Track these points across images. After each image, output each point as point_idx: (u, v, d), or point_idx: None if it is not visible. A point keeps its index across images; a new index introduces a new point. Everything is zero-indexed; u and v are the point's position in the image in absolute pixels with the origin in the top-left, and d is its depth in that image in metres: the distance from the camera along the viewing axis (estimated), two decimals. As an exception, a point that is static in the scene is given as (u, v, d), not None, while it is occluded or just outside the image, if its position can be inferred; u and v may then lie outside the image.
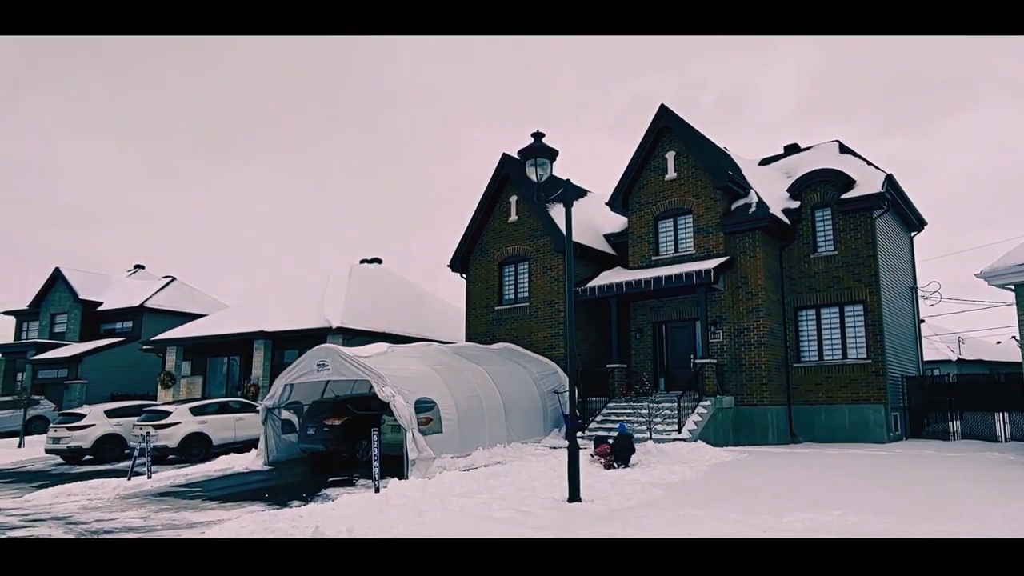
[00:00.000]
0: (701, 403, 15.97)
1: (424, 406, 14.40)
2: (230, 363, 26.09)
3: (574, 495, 9.60)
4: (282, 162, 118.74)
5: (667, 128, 19.22)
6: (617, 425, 15.84)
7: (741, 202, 18.00)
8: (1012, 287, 12.66)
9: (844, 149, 19.34)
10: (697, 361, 16.89)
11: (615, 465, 12.90)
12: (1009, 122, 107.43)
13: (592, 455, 13.42)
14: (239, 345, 25.18)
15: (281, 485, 12.85)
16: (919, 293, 19.63)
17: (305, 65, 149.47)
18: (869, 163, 18.17)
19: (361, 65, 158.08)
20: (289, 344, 23.99)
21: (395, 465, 13.27)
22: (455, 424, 14.81)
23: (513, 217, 21.49)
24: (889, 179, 17.26)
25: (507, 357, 18.60)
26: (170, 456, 17.07)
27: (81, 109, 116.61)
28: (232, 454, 16.60)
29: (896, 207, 18.09)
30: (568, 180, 10.84)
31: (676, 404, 15.41)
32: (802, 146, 21.06)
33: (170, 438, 16.96)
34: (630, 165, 19.78)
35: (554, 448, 15.97)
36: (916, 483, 10.01)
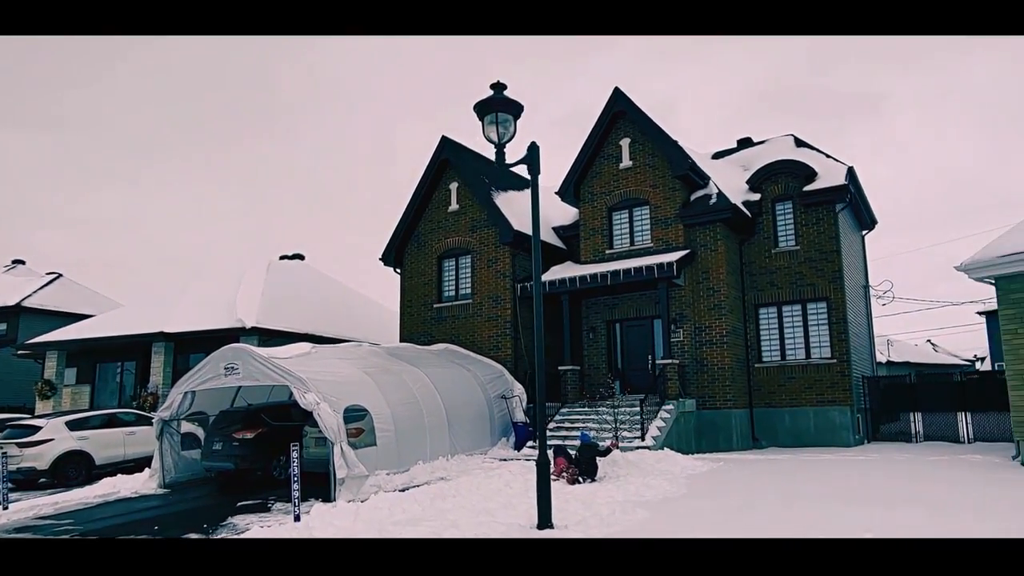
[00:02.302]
0: (664, 407, 14.66)
1: (355, 415, 12.55)
2: (124, 370, 22.84)
3: (544, 521, 7.92)
4: (205, 161, 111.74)
5: (622, 113, 17.97)
6: (577, 434, 14.34)
7: (700, 193, 16.93)
8: (992, 280, 11.97)
9: (800, 142, 18.70)
10: (659, 362, 15.59)
11: (580, 480, 11.32)
12: (913, 136, 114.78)
13: (552, 471, 11.80)
14: (135, 348, 22.04)
15: (177, 513, 10.49)
16: (871, 292, 19.18)
17: (230, 61, 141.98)
18: (828, 156, 17.53)
19: (289, 61, 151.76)
20: (195, 347, 21.10)
21: (320, 484, 11.25)
22: (391, 435, 12.94)
23: (454, 206, 19.68)
24: (850, 172, 16.61)
25: (449, 359, 16.76)
26: (41, 480, 14.16)
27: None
28: (120, 475, 13.90)
29: (853, 202, 17.49)
30: (534, 142, 9.11)
31: (639, 409, 14.02)
32: (755, 140, 20.34)
33: (39, 458, 14.01)
34: (582, 152, 18.41)
35: (504, 460, 14.25)
36: (931, 490, 9.02)
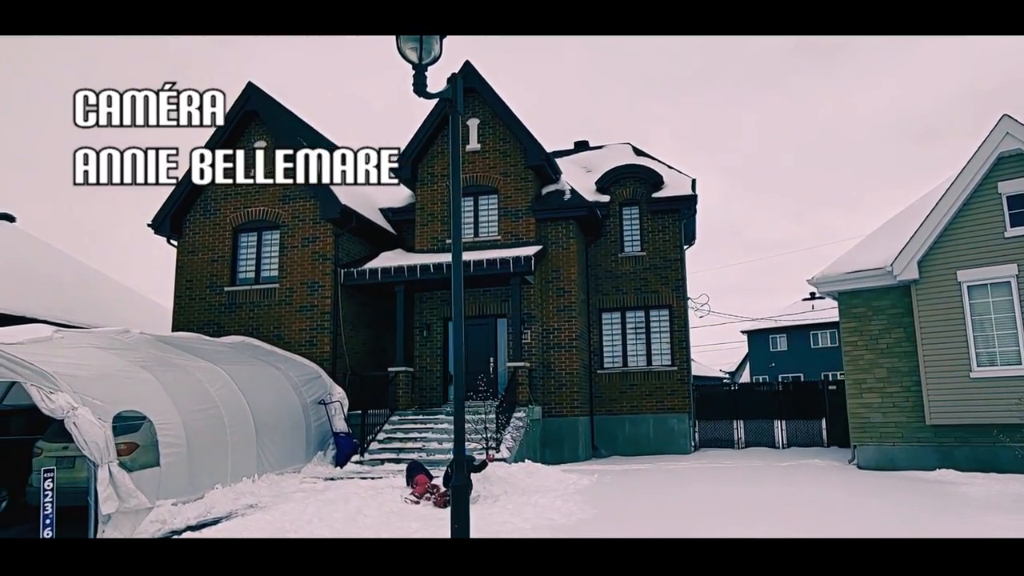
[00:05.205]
0: (515, 414, 13.11)
1: (127, 424, 9.16)
2: None
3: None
4: None
5: (472, 91, 16.18)
6: (414, 446, 12.19)
7: (552, 188, 15.94)
8: (836, 295, 12.62)
9: (638, 151, 18.77)
10: (509, 365, 14.01)
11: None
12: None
13: (409, 493, 9.55)
14: None
15: None
16: (690, 304, 19.92)
17: None
18: (670, 167, 17.75)
19: None
20: None
21: (65, 523, 7.72)
22: (182, 451, 9.65)
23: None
24: (694, 183, 16.93)
25: (250, 354, 13.37)
26: None
27: None
28: None
29: (691, 214, 17.81)
30: (455, 73, 7.00)
31: (494, 416, 12.27)
32: (591, 144, 20.10)
33: None
34: (423, 127, 16.31)
35: (330, 479, 11.48)
36: (832, 494, 8.70)
